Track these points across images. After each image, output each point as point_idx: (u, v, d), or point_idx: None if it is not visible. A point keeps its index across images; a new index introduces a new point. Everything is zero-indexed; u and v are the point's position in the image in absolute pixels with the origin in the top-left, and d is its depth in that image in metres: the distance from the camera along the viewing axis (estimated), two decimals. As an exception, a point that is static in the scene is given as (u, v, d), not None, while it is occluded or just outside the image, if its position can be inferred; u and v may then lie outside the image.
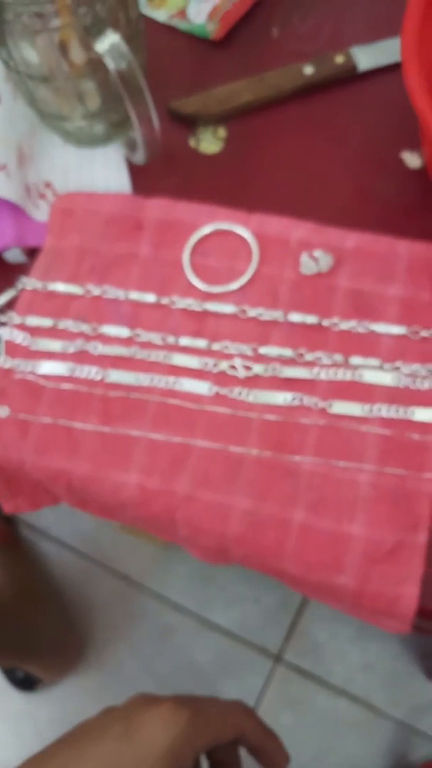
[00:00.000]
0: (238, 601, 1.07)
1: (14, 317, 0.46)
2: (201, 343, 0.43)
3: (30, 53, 0.42)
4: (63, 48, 0.41)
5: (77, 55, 0.42)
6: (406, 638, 1.01)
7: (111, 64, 0.40)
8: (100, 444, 0.42)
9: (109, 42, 0.40)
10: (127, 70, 0.40)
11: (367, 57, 0.49)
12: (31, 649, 0.98)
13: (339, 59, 0.49)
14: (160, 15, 0.54)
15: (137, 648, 1.07)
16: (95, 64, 0.42)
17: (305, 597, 1.03)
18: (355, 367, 0.42)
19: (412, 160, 0.47)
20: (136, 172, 0.49)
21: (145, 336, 0.44)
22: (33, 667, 1.02)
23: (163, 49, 0.53)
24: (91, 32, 0.40)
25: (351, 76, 0.50)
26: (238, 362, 0.43)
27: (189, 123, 0.50)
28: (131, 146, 0.47)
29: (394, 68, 0.47)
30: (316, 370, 0.42)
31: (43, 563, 1.13)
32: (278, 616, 1.05)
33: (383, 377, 0.41)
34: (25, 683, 1.04)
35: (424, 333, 0.42)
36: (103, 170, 0.49)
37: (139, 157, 0.46)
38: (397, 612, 0.38)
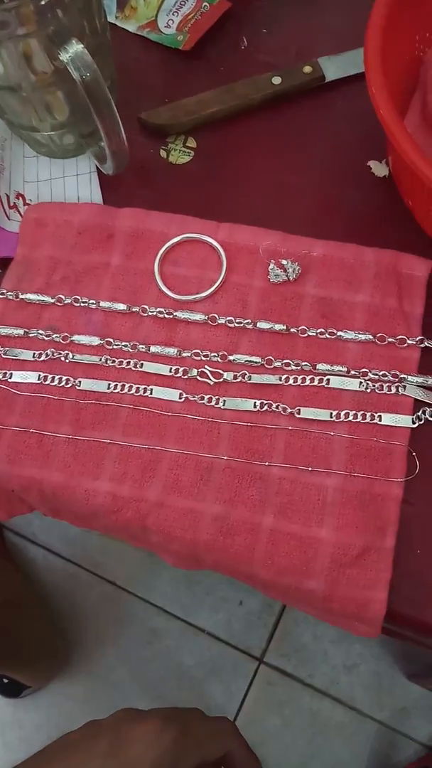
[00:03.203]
0: (222, 603, 1.07)
1: (-14, 327, 0.46)
2: (171, 350, 0.44)
3: (-4, 63, 0.42)
4: (27, 57, 0.41)
5: (42, 64, 0.42)
6: (387, 640, 1.01)
7: (75, 74, 0.39)
8: (72, 452, 0.42)
9: (72, 51, 0.39)
10: (92, 80, 0.39)
11: (334, 67, 0.50)
12: (17, 655, 0.98)
13: (307, 69, 0.49)
14: (131, 26, 0.54)
15: (124, 653, 1.07)
16: (62, 74, 0.42)
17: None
18: (323, 374, 0.42)
19: (379, 168, 0.48)
20: (107, 182, 0.49)
21: (117, 344, 0.44)
22: (19, 674, 1.02)
23: (134, 60, 0.53)
24: (54, 41, 0.40)
25: (319, 86, 0.50)
26: (207, 369, 0.43)
27: (160, 134, 0.50)
28: (101, 157, 0.47)
29: (360, 78, 0.47)
30: (284, 376, 0.42)
31: (30, 569, 1.13)
32: (262, 618, 1.05)
33: (350, 383, 0.42)
34: (11, 689, 1.04)
35: (390, 339, 0.42)
36: (75, 181, 0.49)
37: (109, 168, 0.46)
38: (366, 616, 0.38)
